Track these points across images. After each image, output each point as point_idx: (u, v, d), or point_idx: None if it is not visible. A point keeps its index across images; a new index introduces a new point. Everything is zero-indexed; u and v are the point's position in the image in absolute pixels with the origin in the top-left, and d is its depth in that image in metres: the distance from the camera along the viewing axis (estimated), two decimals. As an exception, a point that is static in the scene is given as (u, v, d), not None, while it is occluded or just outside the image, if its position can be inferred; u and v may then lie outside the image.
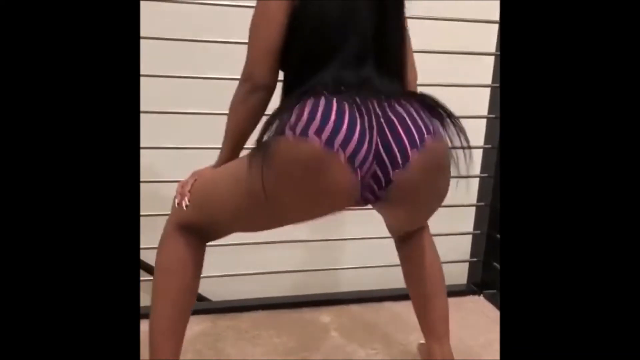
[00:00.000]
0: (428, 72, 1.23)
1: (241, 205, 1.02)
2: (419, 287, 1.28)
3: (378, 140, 0.96)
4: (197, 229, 1.10)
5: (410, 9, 1.10)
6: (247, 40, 1.04)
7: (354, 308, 1.74)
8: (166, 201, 1.16)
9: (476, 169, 1.86)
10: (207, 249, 1.16)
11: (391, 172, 0.98)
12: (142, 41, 1.00)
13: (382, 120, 0.97)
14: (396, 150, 0.97)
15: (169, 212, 1.13)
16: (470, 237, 1.93)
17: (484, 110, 1.83)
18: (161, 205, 1.29)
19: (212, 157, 1.13)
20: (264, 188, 0.96)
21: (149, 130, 1.31)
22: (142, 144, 1.21)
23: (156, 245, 1.12)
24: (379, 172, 0.98)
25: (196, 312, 1.62)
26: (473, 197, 1.89)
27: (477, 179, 1.88)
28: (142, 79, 1.06)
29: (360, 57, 1.01)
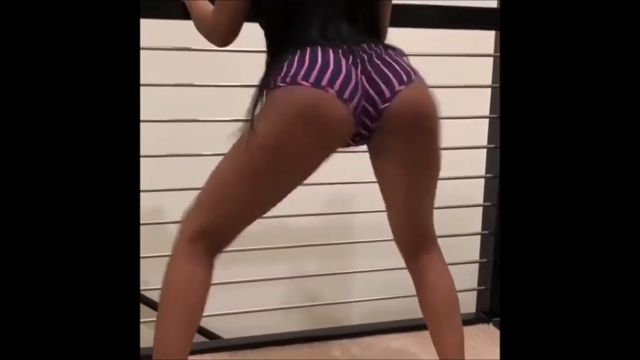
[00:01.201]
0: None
1: (248, 172, 1.06)
2: (432, 311, 1.27)
3: (364, 78, 1.03)
4: (210, 234, 1.10)
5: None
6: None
7: (365, 340, 1.74)
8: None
9: (479, 196, 1.88)
10: (218, 288, 1.17)
11: (380, 104, 1.04)
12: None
13: (367, 62, 1.04)
14: (383, 85, 1.04)
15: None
16: (477, 265, 1.95)
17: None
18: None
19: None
20: (267, 140, 1.02)
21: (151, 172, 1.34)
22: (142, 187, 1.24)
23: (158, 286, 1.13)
24: (368, 107, 1.04)
25: (209, 350, 1.64)
26: (477, 226, 1.91)
27: (481, 208, 1.90)
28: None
29: (338, 11, 1.08)
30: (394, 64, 1.06)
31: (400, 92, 1.04)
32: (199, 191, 1.13)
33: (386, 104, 1.04)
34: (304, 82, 0.99)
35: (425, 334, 1.76)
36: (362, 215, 1.99)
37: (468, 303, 1.94)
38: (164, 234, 1.78)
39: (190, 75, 1.66)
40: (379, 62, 1.05)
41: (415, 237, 1.25)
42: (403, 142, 1.09)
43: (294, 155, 1.05)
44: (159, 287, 1.14)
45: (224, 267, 1.18)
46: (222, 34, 1.18)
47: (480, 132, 1.83)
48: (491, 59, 1.78)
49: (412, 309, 1.78)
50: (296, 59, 1.02)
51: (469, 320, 1.87)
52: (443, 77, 1.51)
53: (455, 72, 1.64)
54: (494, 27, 1.72)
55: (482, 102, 1.82)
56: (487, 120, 1.82)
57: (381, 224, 2.02)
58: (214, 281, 1.15)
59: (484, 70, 1.81)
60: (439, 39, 1.61)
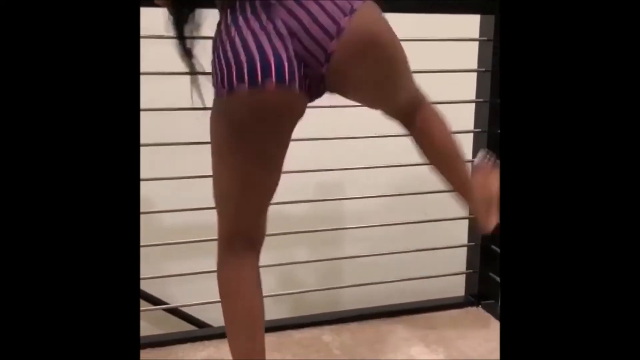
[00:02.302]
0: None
1: (230, 167, 1.08)
2: (434, 158, 1.31)
3: (296, 43, 0.97)
4: (237, 235, 1.14)
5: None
6: None
7: (355, 326, 1.76)
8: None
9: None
10: (207, 276, 1.18)
11: (320, 63, 0.99)
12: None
13: (293, 16, 0.96)
14: (317, 44, 0.98)
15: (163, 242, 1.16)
16: (465, 249, 1.96)
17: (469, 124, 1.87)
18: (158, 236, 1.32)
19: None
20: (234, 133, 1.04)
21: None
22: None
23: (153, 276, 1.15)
24: (311, 69, 1.00)
25: (200, 338, 1.65)
26: (464, 211, 1.93)
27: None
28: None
29: None
30: (326, 3, 0.97)
31: (345, 25, 0.97)
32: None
33: (332, 40, 0.98)
34: (241, 86, 0.96)
35: (415, 318, 1.79)
36: (351, 203, 2.00)
37: (457, 286, 1.96)
38: (151, 224, 1.78)
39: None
40: (310, 5, 0.96)
41: (402, 114, 1.26)
42: (361, 82, 1.07)
43: (259, 143, 1.06)
44: (147, 277, 1.15)
45: (214, 256, 1.18)
46: None
47: (467, 117, 1.84)
48: (476, 43, 1.78)
49: (401, 294, 1.80)
50: (221, 52, 0.98)
51: (458, 304, 1.89)
52: (428, 62, 1.52)
53: (440, 58, 1.64)
54: (479, 11, 1.74)
55: (468, 88, 1.83)
56: (473, 105, 1.83)
57: (369, 212, 2.03)
58: (203, 269, 1.15)
59: (470, 56, 1.81)
60: (423, 24, 1.61)
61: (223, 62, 0.97)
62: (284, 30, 0.97)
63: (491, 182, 1.34)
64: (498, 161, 1.38)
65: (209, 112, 1.09)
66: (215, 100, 1.05)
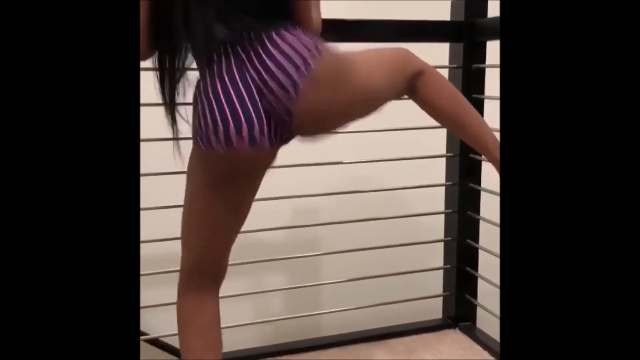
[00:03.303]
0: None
1: (201, 207, 1.13)
2: (444, 123, 1.36)
3: (264, 96, 1.01)
4: (199, 270, 1.18)
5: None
6: None
7: (334, 351, 1.75)
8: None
9: (440, 203, 1.92)
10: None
11: (288, 115, 1.02)
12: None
13: (259, 69, 1.00)
14: (283, 95, 1.01)
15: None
16: (441, 272, 1.98)
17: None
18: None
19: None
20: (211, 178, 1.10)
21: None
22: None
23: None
24: (280, 121, 1.03)
25: (177, 369, 1.63)
26: (440, 233, 1.95)
27: (442, 215, 1.94)
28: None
29: None
30: (285, 55, 1.00)
31: (301, 91, 1.01)
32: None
33: (292, 111, 1.02)
34: (216, 145, 1.01)
35: (394, 342, 1.80)
36: (328, 228, 2.01)
37: (434, 309, 1.97)
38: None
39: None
40: (270, 62, 1.00)
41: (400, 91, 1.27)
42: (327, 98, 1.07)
43: (233, 189, 1.13)
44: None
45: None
46: None
47: (439, 140, 1.88)
48: (446, 70, 1.83)
49: (379, 318, 1.81)
50: (198, 110, 1.02)
51: (435, 327, 1.91)
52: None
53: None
54: (448, 40, 1.79)
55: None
56: (444, 129, 1.87)
57: (346, 235, 2.04)
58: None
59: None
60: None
61: (201, 119, 1.02)
62: (253, 84, 1.01)
63: None
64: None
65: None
66: (194, 146, 1.11)
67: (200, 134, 1.03)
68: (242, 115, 1.00)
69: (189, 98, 1.09)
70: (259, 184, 1.17)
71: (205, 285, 1.19)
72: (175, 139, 1.09)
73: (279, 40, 1.01)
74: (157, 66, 1.07)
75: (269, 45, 1.01)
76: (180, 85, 1.07)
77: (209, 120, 1.01)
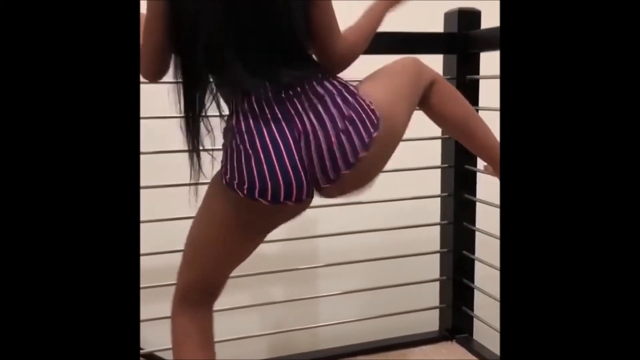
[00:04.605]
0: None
1: (224, 232, 1.09)
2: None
3: (310, 157, 0.98)
4: (199, 289, 1.16)
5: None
6: None
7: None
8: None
9: (436, 214, 1.92)
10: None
11: (341, 168, 0.99)
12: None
13: (314, 127, 0.97)
14: (330, 167, 0.99)
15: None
16: (437, 283, 1.98)
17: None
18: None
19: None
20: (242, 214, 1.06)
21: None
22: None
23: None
24: (323, 176, 1.00)
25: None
26: (436, 245, 1.95)
27: (438, 227, 1.94)
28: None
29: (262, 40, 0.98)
30: (342, 115, 0.98)
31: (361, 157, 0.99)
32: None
33: (344, 174, 1.00)
34: (260, 199, 0.97)
35: (391, 354, 1.79)
36: (326, 240, 2.00)
37: (431, 321, 1.96)
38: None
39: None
40: (326, 118, 0.98)
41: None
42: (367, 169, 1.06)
43: (258, 227, 1.12)
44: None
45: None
46: (144, 69, 1.03)
47: (434, 151, 1.88)
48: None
49: (376, 330, 1.80)
50: (231, 159, 0.98)
51: (432, 339, 1.90)
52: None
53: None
54: (441, 51, 1.80)
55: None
56: (439, 140, 1.87)
57: (344, 248, 2.04)
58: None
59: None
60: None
61: (245, 170, 0.97)
62: (304, 140, 0.98)
63: None
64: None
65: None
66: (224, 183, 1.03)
67: (239, 183, 0.98)
68: (292, 176, 0.97)
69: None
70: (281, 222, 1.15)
71: (203, 301, 1.18)
72: (195, 184, 1.04)
73: (326, 97, 0.99)
74: (183, 110, 1.02)
75: (315, 99, 0.99)
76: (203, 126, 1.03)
77: (255, 174, 0.97)
